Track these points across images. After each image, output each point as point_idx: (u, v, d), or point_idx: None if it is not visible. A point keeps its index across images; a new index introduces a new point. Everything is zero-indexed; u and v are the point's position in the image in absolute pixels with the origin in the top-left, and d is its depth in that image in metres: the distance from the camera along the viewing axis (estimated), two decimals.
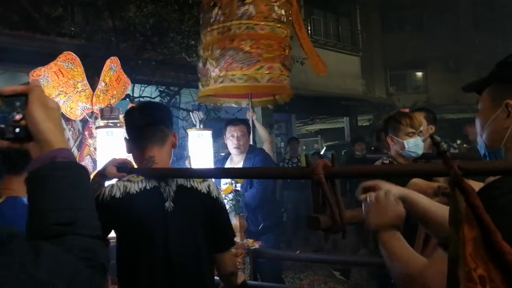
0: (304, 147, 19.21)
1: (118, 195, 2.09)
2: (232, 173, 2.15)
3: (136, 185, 2.12)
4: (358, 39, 18.46)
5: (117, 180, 2.16)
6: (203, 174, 2.04)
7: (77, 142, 4.74)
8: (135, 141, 2.26)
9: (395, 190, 1.55)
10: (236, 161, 4.64)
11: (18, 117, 1.02)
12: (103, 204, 2.07)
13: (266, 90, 5.06)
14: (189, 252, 2.11)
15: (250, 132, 4.68)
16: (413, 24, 21.29)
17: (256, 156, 4.60)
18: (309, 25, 16.09)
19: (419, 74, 22.19)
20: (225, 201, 4.11)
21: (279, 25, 4.82)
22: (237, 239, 4.05)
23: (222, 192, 4.04)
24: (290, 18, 5.04)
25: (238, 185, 4.14)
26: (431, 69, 20.85)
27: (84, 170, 1.06)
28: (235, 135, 4.57)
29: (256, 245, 4.03)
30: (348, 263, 4.42)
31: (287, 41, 4.99)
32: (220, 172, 2.19)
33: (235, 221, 4.08)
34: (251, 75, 4.67)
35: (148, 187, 2.12)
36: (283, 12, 4.86)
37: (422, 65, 21.32)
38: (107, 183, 2.22)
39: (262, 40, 4.72)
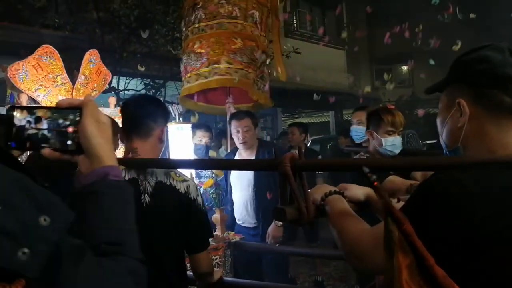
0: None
1: None
2: (201, 164, 2.17)
3: None
4: (344, 32, 18.45)
5: None
6: (173, 165, 2.06)
7: None
8: (125, 132, 2.30)
9: (360, 190, 1.61)
10: (244, 156, 4.41)
11: (70, 129, 1.04)
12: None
13: (214, 85, 4.98)
14: (160, 249, 2.11)
15: (256, 124, 4.43)
16: (399, 19, 21.32)
17: (268, 153, 4.32)
18: (294, 18, 16.09)
19: (405, 68, 22.28)
20: (206, 194, 4.16)
21: (228, 21, 4.87)
22: (217, 232, 4.10)
23: (202, 186, 4.09)
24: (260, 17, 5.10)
25: (219, 178, 4.18)
26: (416, 63, 20.92)
27: (131, 189, 1.09)
28: (240, 130, 4.31)
29: (237, 238, 4.07)
30: (330, 257, 4.44)
31: (243, 34, 4.99)
32: (189, 163, 2.21)
33: (216, 214, 4.13)
34: (201, 73, 4.78)
35: (126, 178, 2.13)
36: (236, 8, 4.91)
37: (407, 59, 21.39)
38: None
39: (210, 38, 4.85)
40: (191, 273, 2.43)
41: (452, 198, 1.10)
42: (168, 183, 2.19)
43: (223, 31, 4.84)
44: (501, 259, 1.06)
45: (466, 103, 1.26)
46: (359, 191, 1.61)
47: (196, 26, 4.86)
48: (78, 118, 1.03)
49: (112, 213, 0.99)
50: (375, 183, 1.10)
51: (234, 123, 4.38)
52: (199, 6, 4.88)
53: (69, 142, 1.04)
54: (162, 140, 2.32)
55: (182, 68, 5.05)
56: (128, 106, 2.40)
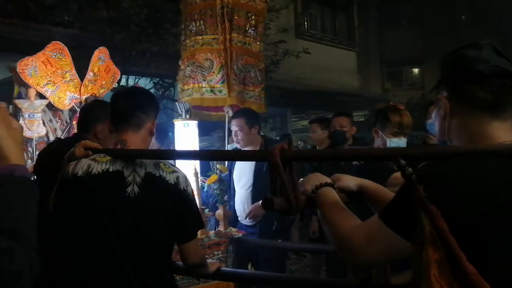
0: (299, 142, 19.20)
1: (80, 173, 2.08)
2: (189, 155, 2.17)
3: (100, 165, 2.10)
4: (355, 34, 18.44)
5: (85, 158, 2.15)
6: (166, 156, 2.06)
7: (65, 132, 4.75)
8: (113, 123, 2.28)
9: (352, 181, 1.62)
10: None
11: None
12: (65, 181, 2.08)
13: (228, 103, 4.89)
14: (149, 240, 2.09)
15: (252, 124, 4.29)
16: (410, 20, 21.21)
17: None
18: (305, 19, 16.09)
19: (415, 70, 22.16)
20: (210, 190, 4.16)
21: (237, 36, 4.88)
22: (220, 228, 4.11)
23: (206, 182, 4.10)
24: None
25: (223, 174, 4.18)
26: (427, 65, 20.82)
27: (35, 187, 1.17)
28: (233, 129, 4.32)
29: (240, 234, 4.07)
30: (330, 253, 4.42)
31: (250, 52, 5.04)
32: (179, 153, 2.20)
33: (219, 210, 4.13)
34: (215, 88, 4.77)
35: (110, 170, 2.10)
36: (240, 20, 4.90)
37: (418, 62, 21.29)
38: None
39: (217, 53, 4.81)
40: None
41: (436, 188, 1.14)
42: (157, 174, 2.16)
43: (234, 47, 4.83)
44: (487, 239, 1.09)
45: (447, 99, 1.35)
46: (351, 182, 1.61)
47: (200, 38, 4.81)
48: None
49: (11, 204, 1.07)
50: (411, 176, 1.15)
51: (231, 122, 4.40)
52: (197, 16, 4.84)
53: None
54: (152, 133, 2.29)
55: (184, 73, 4.95)
56: (118, 97, 2.38)
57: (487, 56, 1.30)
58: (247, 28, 4.94)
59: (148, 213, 2.11)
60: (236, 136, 4.31)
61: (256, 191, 4.23)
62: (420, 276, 1.03)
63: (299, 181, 1.55)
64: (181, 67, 4.88)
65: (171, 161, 2.39)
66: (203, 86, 4.75)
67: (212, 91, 4.76)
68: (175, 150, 2.78)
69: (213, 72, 4.75)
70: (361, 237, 1.28)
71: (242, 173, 4.34)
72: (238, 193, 4.39)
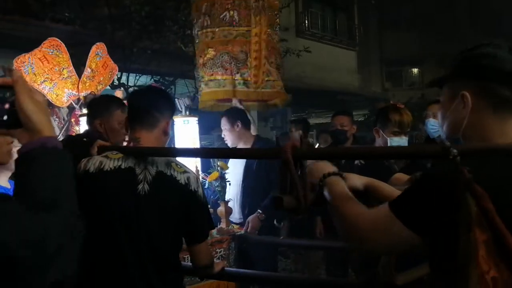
0: None
1: (92, 170, 2.10)
2: (199, 153, 2.16)
3: (112, 162, 2.11)
4: (355, 33, 18.41)
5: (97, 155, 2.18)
6: (174, 153, 2.04)
7: (63, 130, 4.70)
8: (129, 122, 2.31)
9: (359, 180, 1.61)
10: None
11: (7, 106, 1.14)
12: (78, 177, 2.08)
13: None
14: (157, 239, 2.10)
15: (234, 121, 4.34)
16: (410, 20, 21.21)
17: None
18: (306, 18, 16.08)
19: (415, 70, 22.18)
20: (211, 187, 4.15)
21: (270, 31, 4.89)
22: (222, 225, 4.09)
23: (207, 179, 4.08)
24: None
25: (224, 171, 4.16)
26: (427, 66, 20.82)
27: (68, 156, 1.19)
28: (222, 128, 4.40)
29: (241, 231, 4.06)
30: (335, 250, 4.41)
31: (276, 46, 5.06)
32: (188, 151, 2.19)
33: (221, 207, 4.12)
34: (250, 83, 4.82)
35: (122, 167, 2.11)
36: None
37: (418, 62, 21.32)
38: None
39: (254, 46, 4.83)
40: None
41: (445, 192, 1.14)
42: (168, 174, 2.17)
43: (272, 42, 4.90)
44: None
45: (469, 96, 1.32)
46: (358, 181, 1.60)
47: (234, 29, 4.81)
48: (13, 96, 1.13)
49: (44, 176, 1.09)
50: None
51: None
52: (230, 6, 4.83)
53: (5, 117, 1.15)
54: (167, 132, 2.30)
55: (214, 62, 4.88)
56: (134, 96, 2.45)
57: (509, 56, 1.30)
58: (274, 26, 5.01)
59: (157, 212, 2.11)
60: (224, 136, 4.38)
61: (245, 188, 4.29)
62: (468, 258, 1.03)
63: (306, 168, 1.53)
64: (208, 56, 4.83)
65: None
66: (236, 78, 4.76)
67: (245, 83, 4.79)
68: (190, 148, 2.79)
69: (247, 65, 4.76)
70: (367, 223, 1.30)
71: (233, 171, 4.33)
72: (230, 190, 4.37)
